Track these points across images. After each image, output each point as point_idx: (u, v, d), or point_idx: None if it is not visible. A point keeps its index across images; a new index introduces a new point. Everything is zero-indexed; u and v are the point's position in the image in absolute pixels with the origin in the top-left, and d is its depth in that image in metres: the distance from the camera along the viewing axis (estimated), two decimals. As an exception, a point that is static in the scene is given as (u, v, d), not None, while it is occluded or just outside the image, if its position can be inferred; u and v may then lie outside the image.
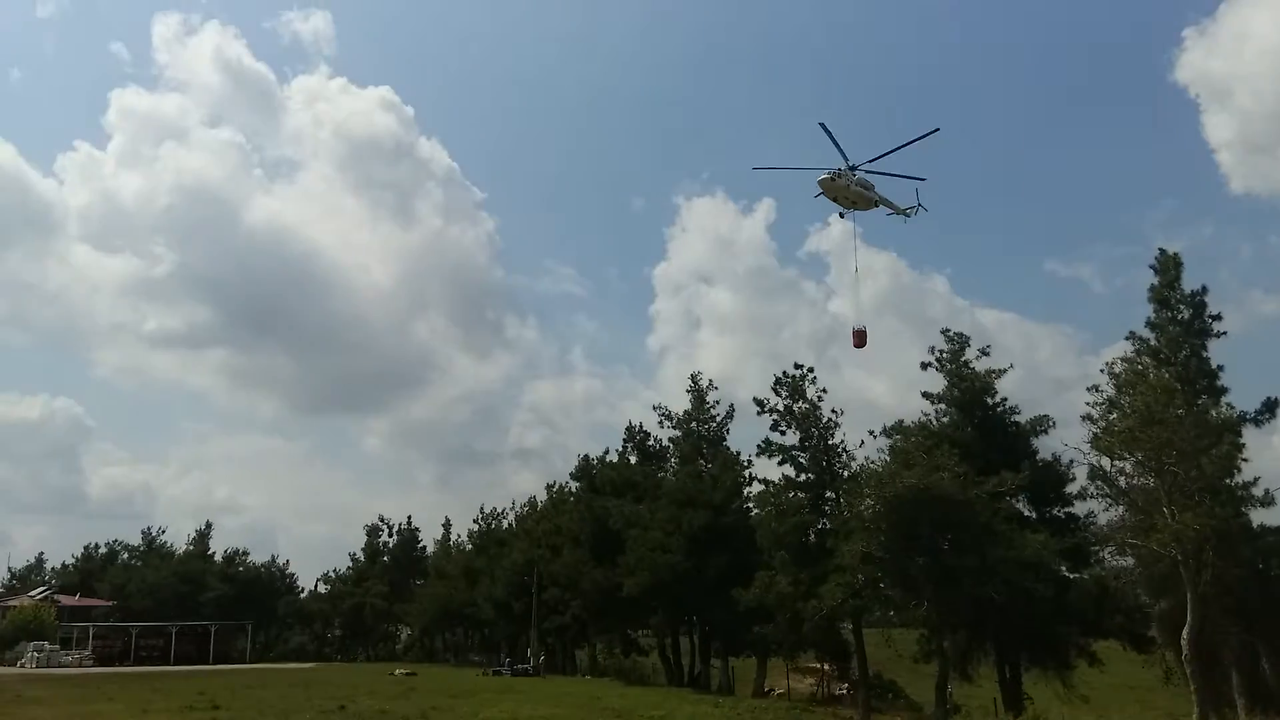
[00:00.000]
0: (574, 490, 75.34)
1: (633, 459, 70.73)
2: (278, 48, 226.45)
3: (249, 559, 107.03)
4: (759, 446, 52.01)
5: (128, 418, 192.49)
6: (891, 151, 43.77)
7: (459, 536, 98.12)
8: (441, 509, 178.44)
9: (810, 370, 51.50)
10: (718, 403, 62.80)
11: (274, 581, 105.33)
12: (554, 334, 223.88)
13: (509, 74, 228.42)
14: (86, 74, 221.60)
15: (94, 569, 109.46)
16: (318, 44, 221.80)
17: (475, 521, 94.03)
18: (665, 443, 68.07)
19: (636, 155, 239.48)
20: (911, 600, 41.74)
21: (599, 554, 62.35)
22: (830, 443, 49.87)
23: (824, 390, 51.34)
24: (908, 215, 49.75)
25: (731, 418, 62.47)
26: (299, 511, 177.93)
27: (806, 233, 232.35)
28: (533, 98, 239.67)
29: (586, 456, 74.85)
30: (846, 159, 44.11)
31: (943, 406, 46.72)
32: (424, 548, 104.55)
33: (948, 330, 47.79)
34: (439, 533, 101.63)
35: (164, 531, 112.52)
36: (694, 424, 62.56)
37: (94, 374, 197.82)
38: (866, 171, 44.69)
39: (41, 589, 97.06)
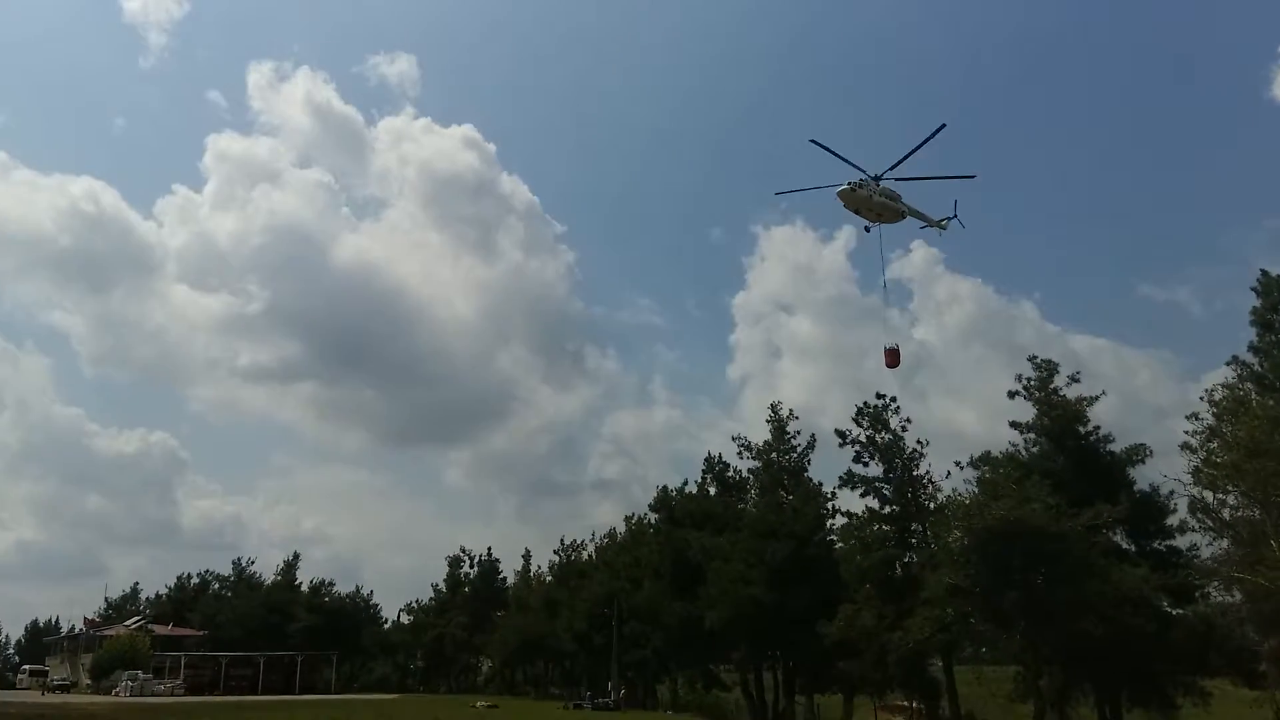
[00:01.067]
0: (653, 522, 74.94)
1: (712, 490, 70.18)
2: (365, 91, 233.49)
3: (334, 589, 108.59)
4: (841, 478, 51.43)
5: (220, 451, 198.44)
6: (905, 158, 41.06)
7: (539, 568, 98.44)
8: (521, 540, 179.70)
9: (893, 400, 50.77)
10: (798, 433, 62.08)
11: (358, 612, 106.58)
12: (634, 364, 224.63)
13: (588, 108, 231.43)
14: (185, 121, 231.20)
15: (186, 599, 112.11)
16: (403, 86, 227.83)
17: (555, 553, 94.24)
18: (745, 474, 67.49)
19: (714, 186, 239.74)
20: (1004, 635, 40.57)
21: (679, 586, 61.84)
22: (915, 474, 48.98)
23: (908, 420, 50.54)
24: (943, 227, 48.23)
25: (813, 448, 61.64)
26: (383, 542, 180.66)
27: (888, 259, 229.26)
28: (611, 131, 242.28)
29: (665, 488, 74.54)
30: (863, 170, 41.49)
31: (1032, 436, 45.45)
32: (504, 579, 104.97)
33: (1035, 357, 46.59)
34: (519, 564, 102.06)
35: (253, 562, 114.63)
36: (774, 455, 61.83)
37: (189, 408, 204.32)
38: (896, 180, 41.82)
39: (136, 618, 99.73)
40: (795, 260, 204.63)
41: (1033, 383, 45.73)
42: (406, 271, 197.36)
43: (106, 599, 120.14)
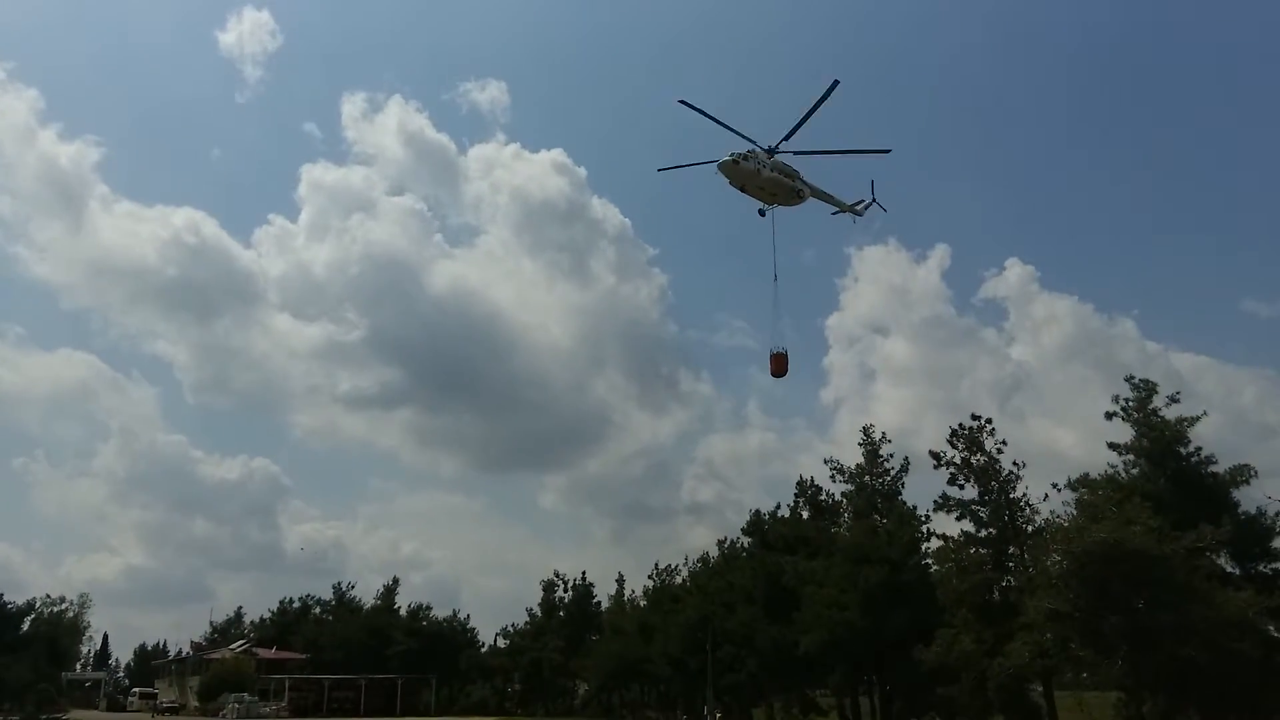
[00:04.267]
0: (746, 546, 75.35)
1: (805, 514, 70.38)
2: (456, 118, 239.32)
3: (432, 613, 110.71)
4: (936, 501, 51.37)
5: (320, 477, 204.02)
6: (800, 125, 36.67)
7: (633, 592, 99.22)
8: (615, 564, 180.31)
9: (988, 421, 50.54)
10: (891, 455, 62.09)
11: (456, 635, 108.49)
12: (728, 388, 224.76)
13: (676, 130, 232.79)
14: (280, 152, 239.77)
15: (289, 622, 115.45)
16: (494, 112, 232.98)
17: (649, 577, 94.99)
18: (838, 497, 67.57)
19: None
20: (1105, 661, 40.09)
21: (773, 611, 62.14)
22: (1012, 496, 48.64)
23: (1003, 442, 50.27)
24: (858, 212, 45.92)
25: (906, 471, 61.60)
26: (479, 566, 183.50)
27: (982, 278, 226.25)
28: (700, 153, 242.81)
29: (758, 512, 75.05)
30: (750, 139, 37.07)
31: (1131, 458, 44.93)
32: (599, 603, 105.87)
33: (1132, 377, 46.09)
34: (613, 588, 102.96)
35: (353, 586, 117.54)
36: (867, 478, 61.95)
37: (290, 435, 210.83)
38: (796, 154, 38.08)
39: (241, 642, 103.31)
40: (889, 281, 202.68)
41: (1131, 403, 45.24)
42: (501, 298, 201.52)
43: (212, 623, 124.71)
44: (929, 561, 54.86)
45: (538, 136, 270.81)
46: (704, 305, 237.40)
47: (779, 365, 38.99)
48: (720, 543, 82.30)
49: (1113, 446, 45.64)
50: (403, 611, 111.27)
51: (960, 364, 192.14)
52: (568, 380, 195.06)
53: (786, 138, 36.88)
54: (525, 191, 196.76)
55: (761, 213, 38.68)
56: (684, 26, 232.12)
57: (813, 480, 71.06)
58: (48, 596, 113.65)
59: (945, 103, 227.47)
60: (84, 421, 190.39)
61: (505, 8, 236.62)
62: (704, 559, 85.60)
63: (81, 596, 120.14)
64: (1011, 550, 48.33)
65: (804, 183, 39.53)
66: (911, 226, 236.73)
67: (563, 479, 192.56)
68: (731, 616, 67.92)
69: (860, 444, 62.84)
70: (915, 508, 59.67)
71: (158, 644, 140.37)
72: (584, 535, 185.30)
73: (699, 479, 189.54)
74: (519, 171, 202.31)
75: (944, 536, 51.56)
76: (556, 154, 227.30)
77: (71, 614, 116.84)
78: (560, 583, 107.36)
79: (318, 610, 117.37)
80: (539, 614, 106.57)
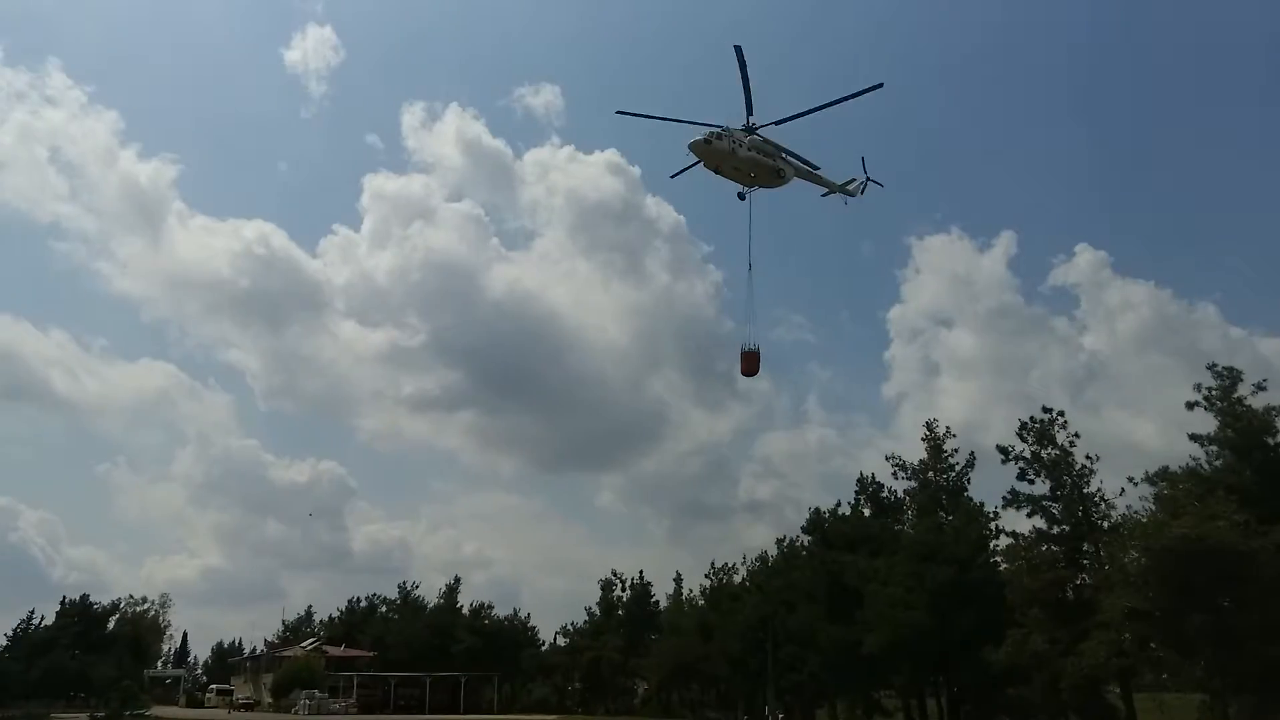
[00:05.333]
0: (806, 544, 74.04)
1: (866, 512, 68.84)
2: (512, 123, 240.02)
3: (494, 612, 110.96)
4: (1005, 497, 49.73)
5: (384, 478, 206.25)
6: (813, 110, 34.81)
7: (691, 591, 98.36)
8: (673, 563, 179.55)
9: (1060, 414, 48.71)
10: (956, 451, 60.32)
11: (517, 634, 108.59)
12: (786, 383, 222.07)
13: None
14: (343, 164, 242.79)
15: (356, 621, 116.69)
16: (548, 116, 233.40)
17: (706, 576, 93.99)
18: (900, 494, 65.97)
19: (863, 196, 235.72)
20: (1187, 662, 38.28)
21: (835, 610, 60.79)
22: (1085, 491, 46.79)
23: (1076, 435, 48.41)
24: (850, 192, 43.37)
25: (972, 467, 59.86)
26: (538, 565, 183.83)
27: (1051, 265, 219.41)
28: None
29: (818, 510, 73.54)
30: (750, 112, 34.99)
31: (1215, 449, 42.81)
32: (657, 602, 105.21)
33: (1215, 365, 43.93)
34: (671, 586, 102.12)
35: (417, 586, 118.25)
36: (931, 474, 60.30)
37: (355, 438, 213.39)
38: (778, 123, 35.72)
39: (311, 640, 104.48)
40: (952, 271, 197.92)
41: (1214, 392, 43.12)
42: (558, 299, 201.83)
43: (284, 621, 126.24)
44: (998, 559, 53.27)
45: (591, 138, 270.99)
46: (761, 301, 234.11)
47: (749, 364, 37.54)
48: (779, 541, 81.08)
49: (1194, 438, 43.61)
50: (465, 610, 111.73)
51: (1029, 355, 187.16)
52: (624, 379, 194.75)
53: (785, 120, 34.97)
54: (580, 193, 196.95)
55: (741, 196, 36.41)
56: (735, 22, 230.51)
57: (874, 477, 69.64)
58: (131, 597, 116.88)
59: (1004, 81, 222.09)
60: (163, 428, 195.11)
61: (557, 12, 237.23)
62: (763, 557, 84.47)
63: (162, 596, 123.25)
64: (1086, 547, 46.57)
65: (787, 161, 37.24)
66: (974, 214, 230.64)
67: (620, 478, 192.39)
68: (792, 615, 66.72)
69: (924, 439, 61.35)
70: (982, 504, 58.11)
71: (234, 642, 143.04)
72: (641, 534, 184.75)
73: (757, 477, 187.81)
74: (573, 174, 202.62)
75: (1014, 534, 50.12)
76: (610, 155, 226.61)
77: (153, 613, 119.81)
78: (618, 582, 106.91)
79: (384, 609, 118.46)
80: (598, 613, 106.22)
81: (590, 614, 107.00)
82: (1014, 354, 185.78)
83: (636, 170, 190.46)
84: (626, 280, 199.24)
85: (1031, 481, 48.48)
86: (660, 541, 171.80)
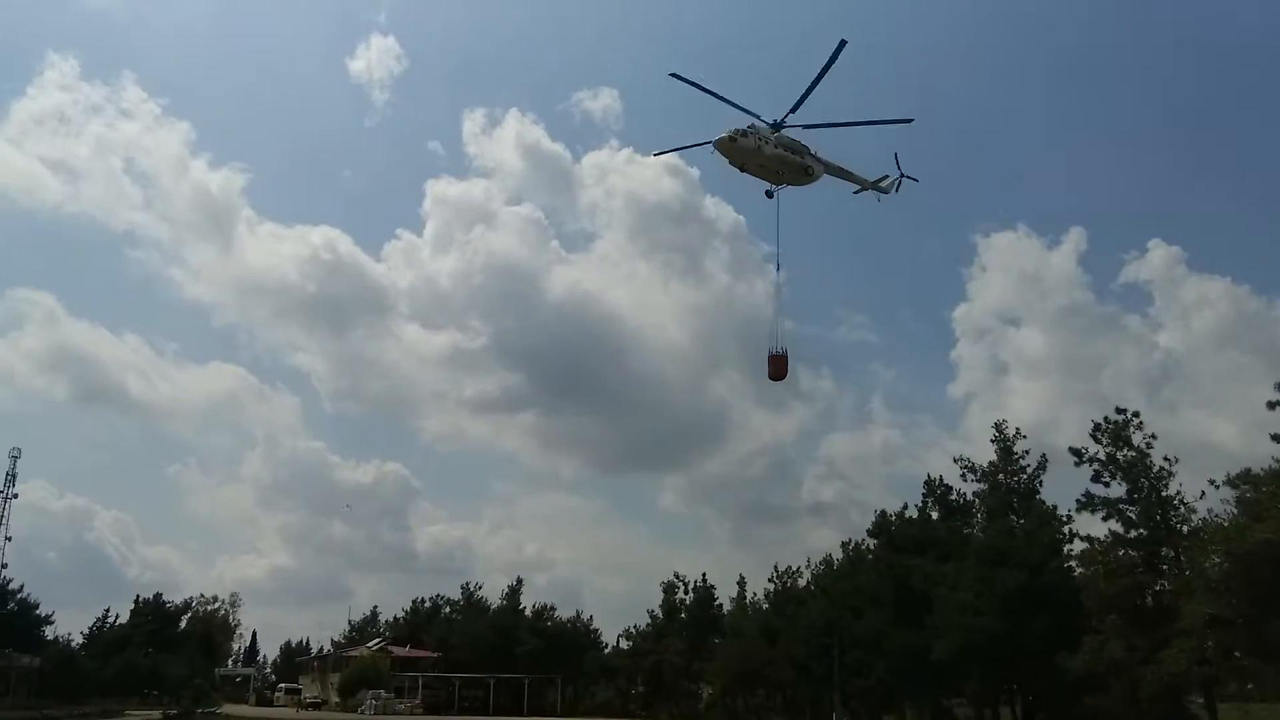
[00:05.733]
0: (872, 548, 73.03)
1: (934, 514, 67.68)
2: (570, 127, 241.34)
3: (556, 614, 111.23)
4: (1079, 500, 48.60)
5: (447, 479, 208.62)
6: (808, 93, 33.04)
7: (754, 594, 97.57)
8: (736, 565, 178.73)
9: (1135, 414, 47.35)
10: (1027, 452, 59.04)
11: (579, 636, 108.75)
12: (850, 384, 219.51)
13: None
14: (406, 170, 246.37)
15: (420, 622, 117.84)
16: (606, 120, 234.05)
17: (770, 579, 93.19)
18: (969, 497, 64.72)
19: (925, 193, 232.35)
20: (1273, 670, 36.93)
21: (903, 615, 59.75)
22: (1164, 494, 45.36)
23: (1153, 436, 46.98)
24: (883, 189, 41.88)
25: (1044, 468, 58.56)
26: (600, 567, 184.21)
27: (1122, 262, 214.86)
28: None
29: (884, 512, 72.51)
30: (753, 113, 33.83)
31: (1300, 450, 41.13)
32: (720, 605, 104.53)
33: (1295, 363, 42.24)
34: (734, 590, 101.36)
35: (480, 587, 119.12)
36: (1001, 476, 59.09)
37: (418, 440, 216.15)
38: (805, 127, 34.38)
39: (377, 640, 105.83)
40: (1020, 268, 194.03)
41: (1296, 391, 41.44)
42: (618, 301, 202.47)
43: (350, 621, 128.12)
44: (1072, 564, 51.95)
45: (649, 141, 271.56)
46: (822, 300, 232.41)
47: (778, 368, 37.02)
48: (844, 544, 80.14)
49: (1277, 438, 41.89)
50: (528, 612, 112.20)
51: (1101, 354, 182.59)
52: (685, 380, 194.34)
53: (793, 109, 33.68)
54: (638, 195, 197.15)
55: (769, 194, 35.68)
56: (793, 26, 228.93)
57: (942, 479, 68.43)
58: (202, 596, 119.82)
59: (1069, 70, 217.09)
60: (233, 430, 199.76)
61: (615, 18, 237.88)
62: (827, 561, 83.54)
63: (232, 596, 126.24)
64: (1165, 552, 45.13)
65: (815, 159, 36.30)
66: (1042, 210, 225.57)
67: (681, 479, 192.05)
68: (858, 620, 65.78)
69: (993, 440, 60.20)
70: (1055, 507, 56.73)
71: (301, 641, 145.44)
72: (703, 536, 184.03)
73: (821, 478, 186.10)
74: (632, 176, 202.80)
75: (1089, 538, 48.88)
76: (669, 156, 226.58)
77: (223, 612, 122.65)
78: (680, 584, 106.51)
79: (447, 610, 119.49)
80: (660, 616, 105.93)
81: (653, 616, 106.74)
82: (1086, 353, 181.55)
83: (695, 172, 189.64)
84: (686, 281, 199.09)
85: (1107, 484, 47.19)
86: (723, 543, 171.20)
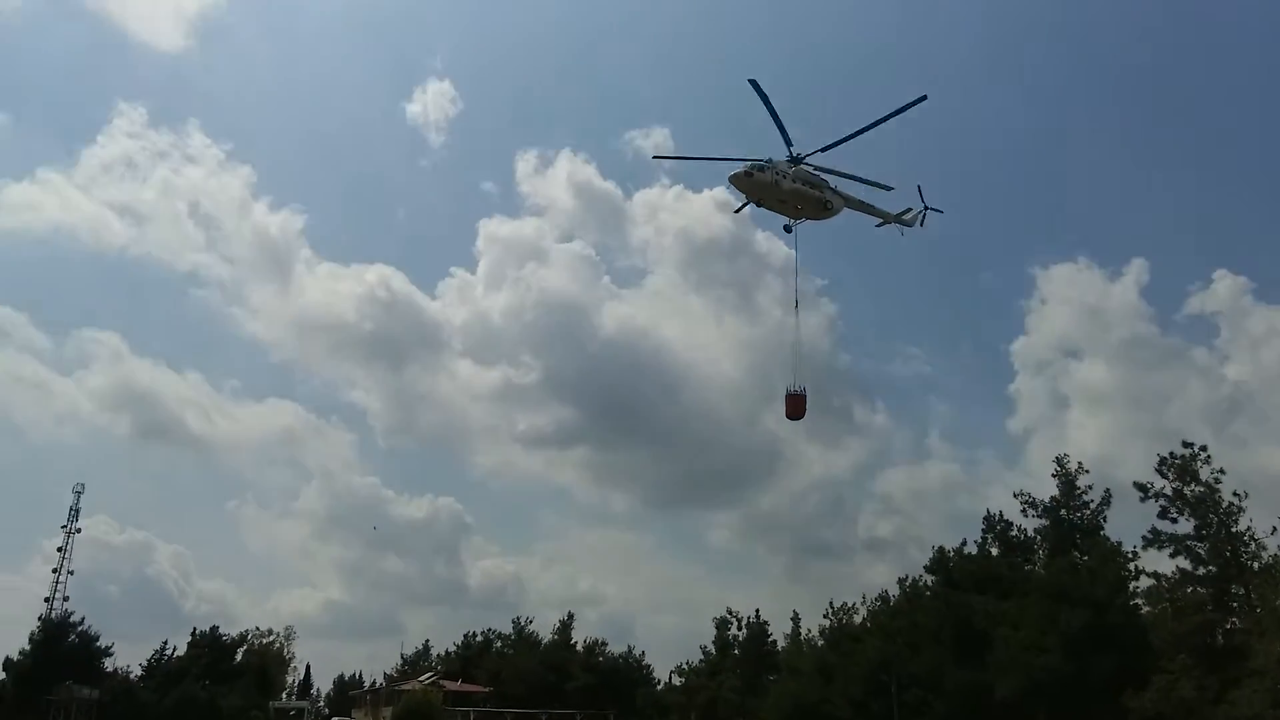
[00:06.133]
0: (930, 584, 71.91)
1: (994, 550, 66.52)
2: (622, 165, 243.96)
3: (608, 649, 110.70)
4: (1145, 536, 47.69)
5: (499, 514, 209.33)
6: (859, 133, 32.55)
7: (809, 631, 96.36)
8: (790, 601, 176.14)
9: (1203, 449, 46.43)
10: (1090, 487, 57.97)
11: (632, 672, 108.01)
12: (906, 418, 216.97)
13: (839, 158, 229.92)
14: (460, 209, 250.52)
15: (472, 656, 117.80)
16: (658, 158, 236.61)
17: (825, 616, 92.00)
18: (1030, 533, 63.55)
19: (980, 224, 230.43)
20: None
21: (962, 653, 58.64)
22: (1234, 530, 44.30)
23: (1221, 471, 46.00)
24: (906, 222, 40.95)
25: (1108, 504, 57.53)
26: (652, 603, 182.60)
27: (1187, 293, 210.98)
28: (865, 175, 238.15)
29: (942, 548, 71.39)
30: (789, 144, 33.53)
31: (1379, 485, 40.13)
32: (774, 641, 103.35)
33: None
34: (788, 626, 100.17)
35: (531, 621, 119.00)
36: (1063, 511, 58.02)
37: (471, 475, 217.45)
38: (821, 151, 33.81)
39: (429, 674, 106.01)
40: (1080, 300, 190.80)
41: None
42: (670, 336, 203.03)
43: (403, 655, 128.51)
44: (1138, 602, 50.72)
45: (700, 177, 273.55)
46: (877, 333, 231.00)
47: (795, 407, 36.10)
48: (901, 581, 78.89)
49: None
50: (579, 647, 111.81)
51: (1166, 387, 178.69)
52: (738, 415, 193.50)
53: (830, 146, 33.31)
54: (689, 231, 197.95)
55: (788, 228, 35.53)
56: (841, 62, 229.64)
57: (1002, 515, 67.32)
58: (257, 629, 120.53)
59: (1126, 100, 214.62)
60: (289, 465, 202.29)
61: (665, 57, 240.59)
62: (883, 597, 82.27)
63: (287, 629, 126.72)
64: (1235, 589, 44.01)
65: (834, 193, 36.02)
66: (1102, 241, 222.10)
67: (734, 515, 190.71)
68: (916, 658, 64.59)
69: (1054, 475, 59.31)
70: (1120, 544, 55.49)
71: (354, 675, 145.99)
72: (756, 572, 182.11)
73: (877, 514, 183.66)
74: (683, 212, 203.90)
75: (1156, 575, 47.78)
76: (719, 192, 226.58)
77: (278, 645, 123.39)
78: (734, 620, 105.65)
79: (499, 644, 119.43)
80: (713, 651, 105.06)
81: (705, 653, 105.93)
82: (1150, 386, 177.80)
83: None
84: (739, 315, 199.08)
85: (1174, 520, 46.35)
86: (776, 579, 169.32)
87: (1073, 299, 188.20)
